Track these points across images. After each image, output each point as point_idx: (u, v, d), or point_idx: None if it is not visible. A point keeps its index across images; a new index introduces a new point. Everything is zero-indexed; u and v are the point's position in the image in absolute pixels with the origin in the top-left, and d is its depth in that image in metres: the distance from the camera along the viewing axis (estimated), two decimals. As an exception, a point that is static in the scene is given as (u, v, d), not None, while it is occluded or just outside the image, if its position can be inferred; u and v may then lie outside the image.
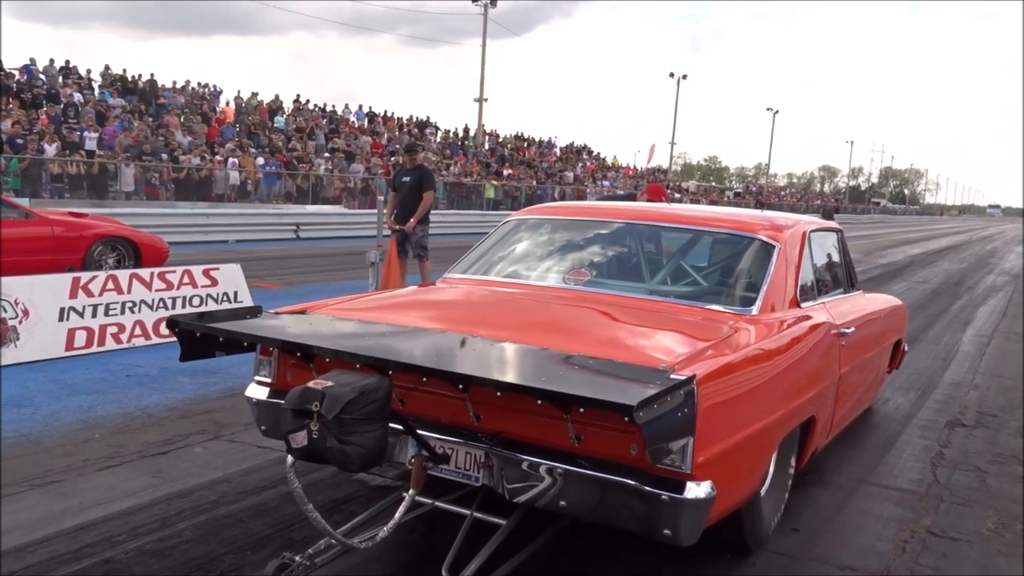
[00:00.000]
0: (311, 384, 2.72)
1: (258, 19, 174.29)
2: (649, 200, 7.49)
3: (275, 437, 3.65)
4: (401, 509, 2.95)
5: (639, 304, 3.95)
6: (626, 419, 2.37)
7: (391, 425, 2.87)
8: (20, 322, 6.40)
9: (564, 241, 4.69)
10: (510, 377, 2.74)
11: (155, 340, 7.20)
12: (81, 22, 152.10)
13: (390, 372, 2.87)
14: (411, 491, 2.97)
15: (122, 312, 7.08)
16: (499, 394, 2.70)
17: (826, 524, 4.08)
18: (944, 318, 11.69)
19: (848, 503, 4.37)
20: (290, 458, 2.75)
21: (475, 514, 3.18)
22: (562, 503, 2.90)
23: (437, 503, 3.30)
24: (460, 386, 2.89)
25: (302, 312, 3.73)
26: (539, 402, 2.64)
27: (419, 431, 3.04)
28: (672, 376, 2.71)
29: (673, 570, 3.54)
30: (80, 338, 6.74)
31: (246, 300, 8.04)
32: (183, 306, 7.55)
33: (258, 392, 3.66)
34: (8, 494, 3.95)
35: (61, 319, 6.66)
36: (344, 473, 4.28)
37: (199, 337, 3.29)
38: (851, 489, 4.57)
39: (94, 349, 6.80)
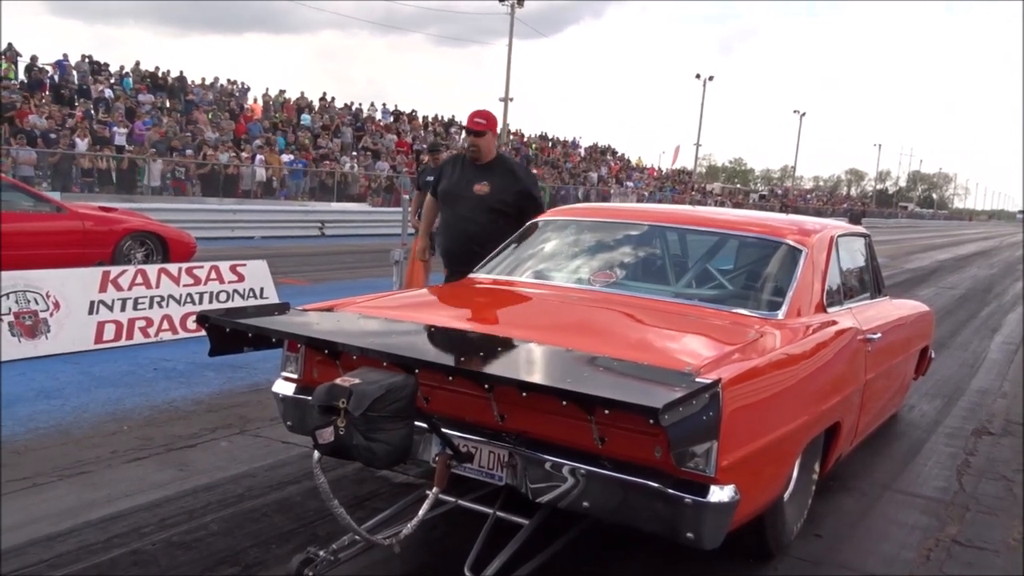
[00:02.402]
0: (338, 381, 2.74)
1: (290, 17, 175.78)
2: (467, 131, 5.59)
3: (301, 433, 3.68)
4: (425, 507, 2.97)
5: (665, 307, 3.94)
6: (651, 421, 2.37)
7: (415, 423, 2.89)
8: (51, 315, 6.50)
9: (590, 243, 4.69)
10: (535, 377, 2.75)
11: (182, 335, 7.29)
12: (115, 19, 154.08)
13: (416, 370, 2.89)
14: (435, 489, 2.99)
15: (150, 306, 7.17)
16: (524, 394, 2.72)
17: (850, 530, 4.06)
18: (972, 324, 11.55)
19: (872, 510, 4.34)
20: (316, 454, 2.78)
21: (498, 513, 3.19)
22: (585, 504, 2.90)
23: (460, 501, 3.31)
24: (486, 385, 2.90)
25: (329, 309, 3.76)
26: (564, 403, 2.66)
27: (443, 429, 3.06)
28: (697, 379, 2.70)
29: (694, 573, 3.54)
30: (109, 331, 6.83)
31: (272, 296, 8.12)
32: (210, 301, 7.64)
33: (284, 388, 3.69)
34: (39, 483, 4.03)
35: (91, 312, 6.76)
36: (367, 470, 4.30)
37: (228, 332, 3.32)
38: (875, 496, 4.54)
39: (123, 342, 6.89)
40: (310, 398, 3.01)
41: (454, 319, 3.70)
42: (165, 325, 7.23)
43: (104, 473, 4.22)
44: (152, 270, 7.39)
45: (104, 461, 4.38)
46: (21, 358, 6.18)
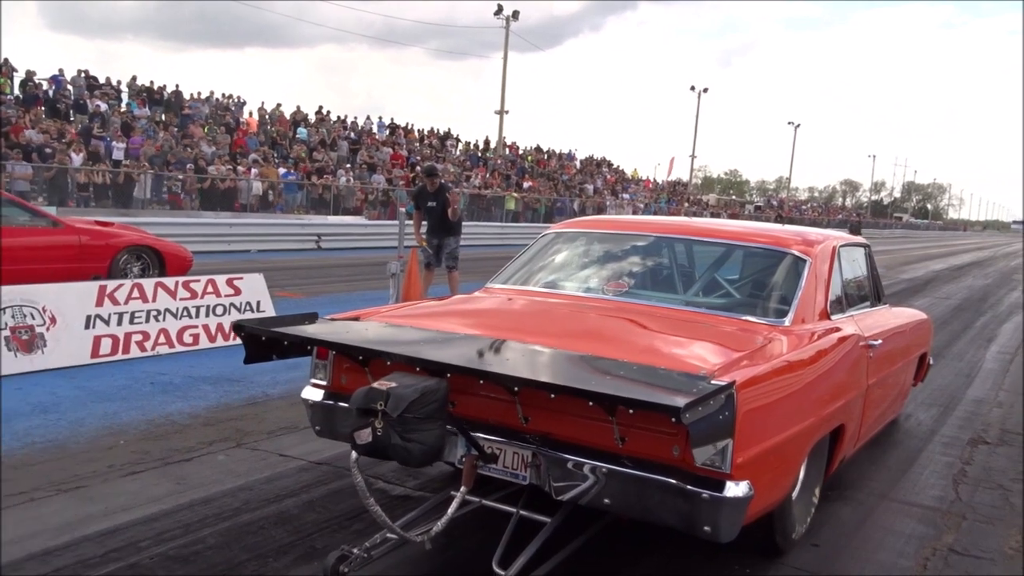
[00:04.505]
0: (376, 385, 2.90)
1: (290, 32, 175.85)
2: None
3: (329, 437, 3.84)
4: (453, 505, 3.12)
5: (677, 314, 4.10)
6: (673, 420, 2.53)
7: None
8: (48, 329, 6.50)
9: (601, 253, 4.85)
10: (563, 380, 2.90)
11: (179, 348, 7.29)
12: (115, 33, 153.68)
13: (448, 375, 3.02)
14: (463, 489, 3.13)
15: (147, 320, 7.17)
16: (552, 396, 2.85)
17: (847, 540, 4.07)
18: (967, 334, 11.58)
19: (869, 519, 4.35)
20: (354, 454, 2.93)
21: (521, 512, 3.31)
22: (606, 501, 3.03)
23: (484, 501, 3.44)
24: (515, 388, 3.04)
25: (356, 319, 3.91)
26: (590, 403, 2.80)
27: (471, 432, 3.19)
28: (713, 382, 2.85)
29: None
30: (105, 345, 6.83)
31: (268, 309, 8.12)
32: (207, 315, 7.63)
33: (313, 394, 3.82)
34: (36, 498, 4.02)
35: (87, 327, 6.76)
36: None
37: (263, 341, 3.49)
38: (872, 505, 4.55)
39: (119, 356, 6.88)
40: (339, 403, 3.44)
41: (479, 327, 3.84)
42: (162, 339, 7.23)
43: (101, 487, 4.22)
44: (148, 284, 7.39)
45: (101, 475, 4.37)
46: (17, 373, 6.17)
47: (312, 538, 3.72)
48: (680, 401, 2.54)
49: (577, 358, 3.23)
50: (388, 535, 3.21)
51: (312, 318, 3.74)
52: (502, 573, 3.04)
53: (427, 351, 3.23)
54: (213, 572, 3.38)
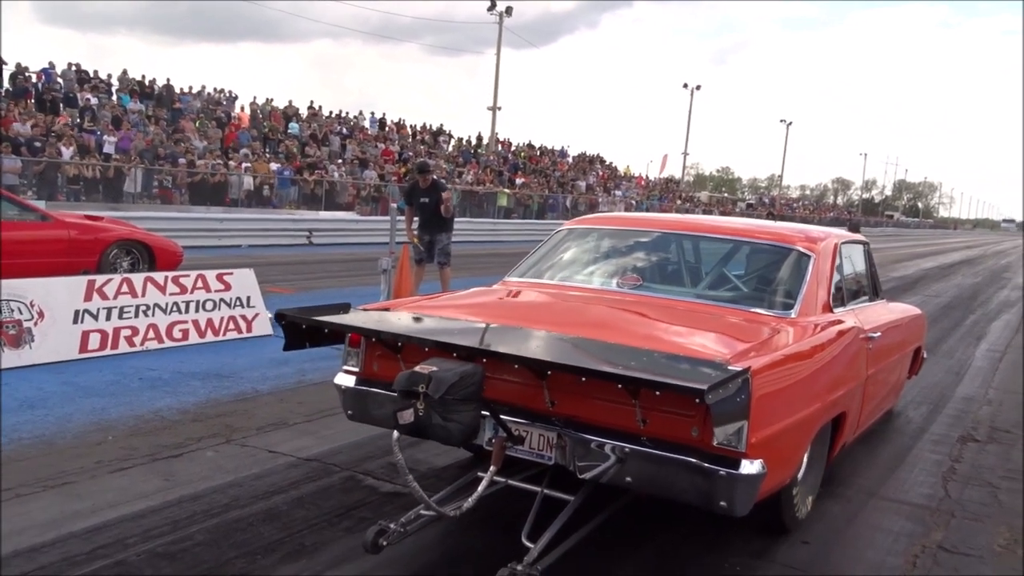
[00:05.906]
0: (417, 368, 3.07)
1: (285, 27, 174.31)
2: None
3: (361, 421, 3.98)
4: (483, 484, 3.28)
5: (689, 306, 4.29)
6: (697, 401, 2.73)
7: None
8: (35, 324, 6.45)
9: (614, 249, 5.01)
10: (592, 365, 3.07)
11: (168, 344, 7.25)
12: (108, 27, 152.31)
13: (484, 360, 3.21)
14: (492, 468, 3.28)
15: (136, 315, 7.13)
16: (582, 380, 3.04)
17: (837, 538, 4.08)
18: (957, 332, 11.63)
19: (859, 517, 4.36)
20: (396, 433, 3.11)
21: (545, 491, 3.49)
22: (627, 479, 3.18)
23: (510, 481, 3.58)
24: (548, 372, 3.22)
25: (386, 309, 4.11)
26: (618, 386, 2.99)
27: (501, 415, 3.32)
28: (729, 368, 3.01)
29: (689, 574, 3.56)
30: (94, 340, 6.79)
31: (259, 305, 8.08)
32: (196, 310, 7.59)
33: (346, 380, 3.96)
34: (22, 495, 3.99)
35: (76, 321, 6.71)
36: (354, 479, 4.38)
37: (304, 329, 3.67)
38: (862, 503, 4.56)
39: (107, 352, 6.84)
40: (371, 388, 3.73)
41: (506, 317, 4.05)
42: (151, 334, 7.19)
43: (88, 484, 4.19)
44: (138, 279, 7.34)
45: (88, 472, 4.34)
46: (5, 368, 6.13)
47: (301, 535, 3.70)
48: (703, 383, 2.72)
49: (601, 345, 3.42)
50: (422, 512, 3.36)
51: (345, 308, 3.90)
52: (531, 546, 3.17)
53: (465, 338, 3.39)
54: (201, 569, 3.35)
